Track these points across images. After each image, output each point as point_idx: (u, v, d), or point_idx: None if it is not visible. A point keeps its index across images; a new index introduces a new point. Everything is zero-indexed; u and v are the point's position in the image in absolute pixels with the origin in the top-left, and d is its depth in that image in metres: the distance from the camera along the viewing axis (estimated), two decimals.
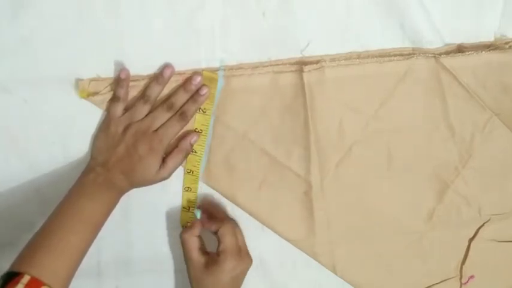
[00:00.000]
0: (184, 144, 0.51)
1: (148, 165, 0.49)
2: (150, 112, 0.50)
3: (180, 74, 0.51)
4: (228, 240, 0.50)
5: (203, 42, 0.51)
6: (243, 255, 0.51)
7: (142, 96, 0.50)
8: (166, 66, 0.50)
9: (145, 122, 0.49)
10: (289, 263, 0.58)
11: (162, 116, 0.50)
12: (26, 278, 0.41)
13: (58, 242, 0.45)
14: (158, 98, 0.51)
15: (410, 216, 0.56)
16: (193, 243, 0.50)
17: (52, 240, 0.45)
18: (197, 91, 0.51)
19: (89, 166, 0.50)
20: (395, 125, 0.54)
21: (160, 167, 0.50)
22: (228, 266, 0.49)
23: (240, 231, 0.54)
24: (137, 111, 0.50)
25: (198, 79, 0.50)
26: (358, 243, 0.57)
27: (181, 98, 0.51)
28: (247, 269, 0.52)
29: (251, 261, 0.52)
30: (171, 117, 0.50)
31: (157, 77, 0.50)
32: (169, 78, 0.50)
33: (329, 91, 0.52)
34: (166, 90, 0.51)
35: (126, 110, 0.50)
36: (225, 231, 0.50)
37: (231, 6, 0.50)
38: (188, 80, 0.51)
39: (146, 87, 0.50)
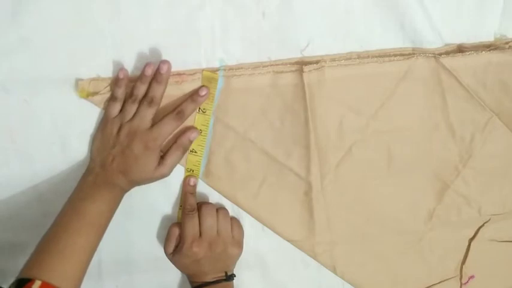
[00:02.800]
0: (183, 140, 0.51)
1: (145, 163, 0.49)
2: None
3: (179, 74, 0.51)
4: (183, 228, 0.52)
5: (203, 42, 0.51)
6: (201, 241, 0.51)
7: (130, 95, 0.50)
8: (147, 65, 0.49)
9: (135, 121, 0.49)
10: (289, 263, 0.58)
11: (146, 111, 0.49)
12: (37, 284, 0.41)
13: (65, 246, 0.44)
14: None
15: (410, 216, 0.56)
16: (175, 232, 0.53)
17: (59, 244, 0.44)
18: (197, 92, 0.51)
19: (89, 167, 0.51)
20: (396, 125, 0.54)
21: (159, 164, 0.50)
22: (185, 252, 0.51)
23: (225, 216, 0.54)
24: (126, 111, 0.49)
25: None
26: (358, 243, 0.57)
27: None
28: (219, 252, 0.52)
29: (223, 246, 0.52)
30: (167, 115, 0.50)
31: (141, 77, 0.49)
32: (152, 76, 0.49)
33: (329, 91, 0.52)
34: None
35: None
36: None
37: (231, 6, 0.50)
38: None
39: (133, 87, 0.50)
